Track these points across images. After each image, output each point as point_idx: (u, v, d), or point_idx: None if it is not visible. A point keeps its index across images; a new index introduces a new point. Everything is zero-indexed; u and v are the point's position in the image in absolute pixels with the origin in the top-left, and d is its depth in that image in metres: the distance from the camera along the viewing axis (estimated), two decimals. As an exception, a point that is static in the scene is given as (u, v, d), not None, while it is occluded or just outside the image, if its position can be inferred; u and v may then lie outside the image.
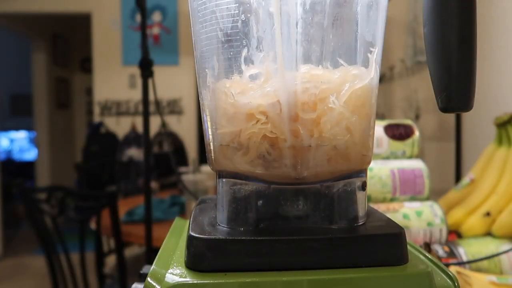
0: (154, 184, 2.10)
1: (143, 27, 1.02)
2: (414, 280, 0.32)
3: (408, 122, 0.73)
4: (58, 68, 4.67)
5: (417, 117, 1.66)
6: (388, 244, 0.33)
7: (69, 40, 4.91)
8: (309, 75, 0.33)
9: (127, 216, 1.63)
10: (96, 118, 3.51)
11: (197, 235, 0.33)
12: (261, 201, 0.34)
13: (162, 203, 1.76)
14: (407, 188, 0.67)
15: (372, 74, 0.36)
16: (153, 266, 0.34)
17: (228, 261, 0.32)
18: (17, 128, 5.69)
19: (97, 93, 3.49)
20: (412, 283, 0.32)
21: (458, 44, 0.31)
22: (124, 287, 1.49)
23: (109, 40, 3.45)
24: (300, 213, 0.35)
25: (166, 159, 2.99)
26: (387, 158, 0.70)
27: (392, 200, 0.67)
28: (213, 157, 0.37)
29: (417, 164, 0.69)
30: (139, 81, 1.46)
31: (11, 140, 5.82)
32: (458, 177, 1.24)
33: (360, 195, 0.36)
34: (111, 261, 1.99)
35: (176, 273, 0.32)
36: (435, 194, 0.79)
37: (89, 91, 4.76)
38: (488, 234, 0.72)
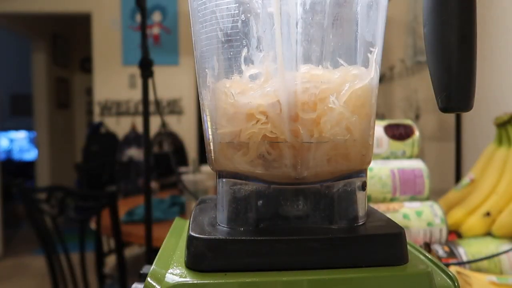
0: (154, 184, 2.10)
1: (143, 27, 1.02)
2: (414, 280, 0.32)
3: (408, 122, 0.73)
4: (58, 68, 4.67)
5: (417, 117, 1.66)
6: (388, 244, 0.33)
7: (69, 40, 4.91)
8: (309, 75, 0.33)
9: (127, 216, 1.64)
10: (96, 118, 3.52)
11: (197, 235, 0.33)
12: (261, 201, 0.34)
13: (162, 203, 1.76)
14: (407, 188, 0.67)
15: (372, 74, 0.36)
16: (153, 266, 0.34)
17: (228, 261, 0.32)
18: (17, 128, 5.69)
19: (97, 93, 3.49)
20: (412, 283, 0.32)
21: (458, 44, 0.31)
22: (124, 287, 1.49)
23: (109, 40, 3.45)
24: (300, 213, 0.35)
25: (166, 159, 2.99)
26: (387, 158, 0.70)
27: (392, 200, 0.67)
28: (213, 157, 0.37)
29: (417, 164, 0.69)
30: (139, 81, 1.46)
31: (11, 140, 5.82)
32: (458, 177, 1.24)
33: (360, 195, 0.36)
34: (111, 261, 1.99)
35: (176, 273, 0.32)
36: (435, 194, 0.79)
37: (89, 91, 4.76)
38: (488, 234, 0.72)
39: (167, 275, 0.32)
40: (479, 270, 0.63)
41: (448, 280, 0.33)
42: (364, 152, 0.36)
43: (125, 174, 3.13)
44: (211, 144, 0.37)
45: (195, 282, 0.31)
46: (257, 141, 0.33)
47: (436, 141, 1.51)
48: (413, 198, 0.68)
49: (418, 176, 0.67)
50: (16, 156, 5.80)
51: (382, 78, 1.96)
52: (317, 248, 0.32)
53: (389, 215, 0.58)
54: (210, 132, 0.37)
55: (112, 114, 3.50)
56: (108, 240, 1.98)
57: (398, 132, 0.70)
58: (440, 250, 0.63)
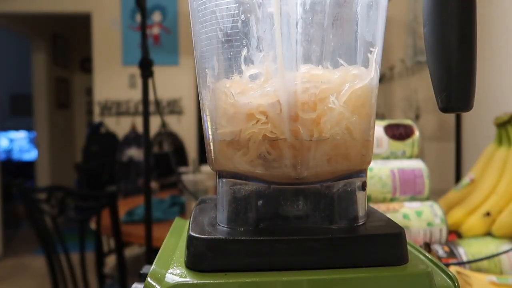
0: (154, 184, 2.10)
1: (143, 27, 1.02)
2: (414, 280, 0.32)
3: (408, 122, 0.73)
4: (58, 68, 4.67)
5: (417, 117, 1.66)
6: (388, 244, 0.33)
7: (69, 40, 4.91)
8: (309, 75, 0.33)
9: (127, 216, 1.64)
10: (96, 118, 3.52)
11: (197, 235, 0.33)
12: (261, 201, 0.34)
13: (162, 203, 1.76)
14: (407, 188, 0.67)
15: (372, 74, 0.36)
16: (153, 266, 0.34)
17: (228, 261, 0.32)
18: (17, 128, 5.69)
19: (97, 93, 3.49)
20: (412, 283, 0.32)
21: (458, 44, 0.31)
22: (124, 287, 1.49)
23: (109, 40, 3.46)
24: (300, 213, 0.35)
25: (166, 159, 2.99)
26: (387, 158, 0.70)
27: (392, 200, 0.67)
28: (213, 157, 0.37)
29: (417, 164, 0.69)
30: (139, 81, 1.46)
31: (11, 140, 5.82)
32: (458, 177, 1.24)
33: (360, 195, 0.36)
34: (111, 261, 1.99)
35: (176, 273, 0.32)
36: (435, 194, 0.79)
37: (89, 91, 4.76)
38: (488, 234, 0.72)
39: (167, 275, 0.32)
40: (479, 270, 0.63)
41: (448, 280, 0.34)
42: (364, 152, 0.36)
43: (125, 174, 3.13)
44: (211, 144, 0.37)
45: (195, 282, 0.31)
46: (257, 141, 0.33)
47: (436, 141, 1.51)
48: (413, 198, 0.68)
49: (418, 176, 0.67)
50: (16, 156, 5.80)
51: (382, 78, 1.96)
52: (317, 248, 0.32)
53: (389, 215, 0.58)
54: (210, 132, 0.37)
55: (112, 114, 3.50)
56: (108, 240, 1.98)
57: (398, 132, 0.70)
58: (440, 250, 0.63)
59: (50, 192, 1.47)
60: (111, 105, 3.49)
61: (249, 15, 0.34)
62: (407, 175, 0.67)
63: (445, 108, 0.32)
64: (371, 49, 0.36)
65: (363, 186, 0.36)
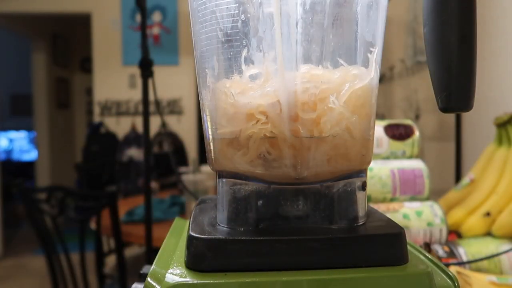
0: (154, 184, 2.10)
1: (143, 27, 1.02)
2: (414, 280, 0.32)
3: (408, 122, 0.73)
4: (58, 68, 4.67)
5: (417, 117, 1.66)
6: (388, 244, 0.33)
7: (69, 40, 4.91)
8: (309, 75, 0.33)
9: (127, 216, 1.64)
10: (96, 118, 3.52)
11: (197, 235, 0.33)
12: (261, 201, 0.34)
13: (162, 203, 1.76)
14: (407, 188, 0.67)
15: (372, 74, 0.36)
16: (153, 266, 0.34)
17: (228, 261, 0.32)
18: (17, 128, 5.69)
19: (97, 93, 3.49)
20: (412, 283, 0.32)
21: (458, 44, 0.31)
22: (124, 287, 1.49)
23: (109, 40, 3.46)
24: (300, 213, 0.35)
25: (166, 159, 2.99)
26: (387, 158, 0.70)
27: (392, 200, 0.67)
28: (213, 157, 0.37)
29: (417, 164, 0.69)
30: (139, 81, 1.46)
31: (11, 140, 5.82)
32: (458, 177, 1.24)
33: (360, 195, 0.36)
34: (111, 261, 1.99)
35: (176, 273, 0.32)
36: (435, 194, 0.79)
37: (89, 91, 4.76)
38: (488, 234, 0.72)
39: (167, 275, 0.32)
40: (479, 270, 0.63)
41: (448, 280, 0.34)
42: (364, 152, 0.36)
43: (125, 174, 3.13)
44: (211, 144, 0.37)
45: (195, 282, 0.31)
46: (257, 141, 0.33)
47: (436, 141, 1.51)
48: (413, 198, 0.68)
49: (418, 176, 0.67)
50: (16, 156, 5.80)
51: (382, 78, 1.96)
52: (317, 248, 0.32)
53: (389, 215, 0.58)
54: (210, 132, 0.37)
55: (112, 114, 3.50)
56: (108, 240, 1.98)
57: (398, 132, 0.70)
58: (440, 250, 0.63)
59: (50, 192, 1.47)
60: (111, 105, 3.49)
61: (249, 15, 0.34)
62: (407, 175, 0.67)
63: (445, 108, 0.32)
64: (371, 49, 0.36)
65: (363, 186, 0.36)
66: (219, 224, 0.36)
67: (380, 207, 0.65)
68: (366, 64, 0.36)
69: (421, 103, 1.64)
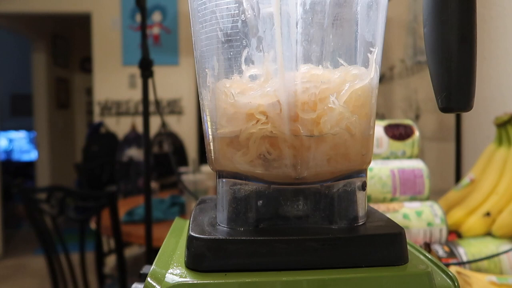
0: (154, 184, 2.10)
1: (143, 27, 1.02)
2: (414, 280, 0.32)
3: (408, 122, 0.73)
4: (58, 68, 4.67)
5: (417, 117, 1.66)
6: (388, 244, 0.33)
7: (69, 40, 4.91)
8: (309, 75, 0.33)
9: (127, 216, 1.64)
10: (96, 118, 3.51)
11: (197, 235, 0.33)
12: (261, 201, 0.34)
13: (162, 203, 1.76)
14: (407, 188, 0.67)
15: (372, 74, 0.36)
16: (153, 266, 0.34)
17: (228, 261, 0.32)
18: (17, 128, 5.69)
19: (97, 93, 3.49)
20: (412, 283, 0.32)
21: (458, 44, 0.31)
22: (124, 287, 1.49)
23: (109, 40, 3.45)
24: (300, 213, 0.35)
25: (166, 159, 2.99)
26: (387, 158, 0.70)
27: (392, 200, 0.67)
28: (213, 157, 0.37)
29: (417, 164, 0.69)
30: (139, 81, 1.46)
31: (11, 140, 5.82)
32: (458, 177, 1.24)
33: (360, 195, 0.36)
34: (111, 261, 2.00)
35: (176, 273, 0.32)
36: (435, 194, 0.79)
37: (89, 91, 4.76)
38: (488, 234, 0.72)
39: (167, 275, 0.32)
40: (479, 270, 0.63)
41: (448, 280, 0.34)
42: (364, 152, 0.36)
43: (125, 174, 3.13)
44: (211, 144, 0.37)
45: (195, 282, 0.31)
46: (257, 141, 0.33)
47: (436, 141, 1.51)
48: (413, 198, 0.68)
49: (418, 176, 0.67)
50: (16, 156, 5.80)
51: (382, 78, 1.96)
52: (317, 248, 0.32)
53: (389, 215, 0.58)
54: (210, 132, 0.37)
55: (112, 114, 3.50)
56: (108, 240, 1.98)
57: (398, 132, 0.70)
58: (440, 250, 0.63)
59: (50, 192, 1.47)
60: (111, 105, 3.49)
61: (249, 15, 0.34)
62: (407, 175, 0.67)
63: (445, 108, 0.32)
64: (371, 49, 0.36)
65: (363, 186, 0.36)
66: (219, 224, 0.36)
67: (380, 207, 0.65)
68: (366, 64, 0.36)
69: (421, 103, 1.64)
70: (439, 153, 1.49)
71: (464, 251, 0.64)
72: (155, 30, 3.43)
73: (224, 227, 0.35)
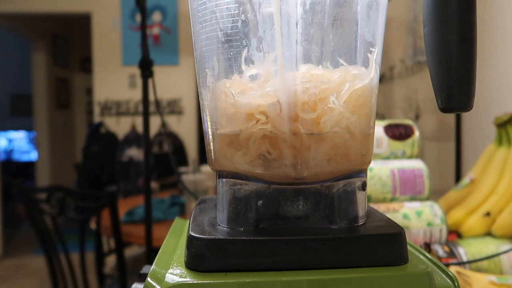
0: (154, 184, 2.10)
1: (143, 27, 1.02)
2: (414, 280, 0.32)
3: (408, 122, 0.73)
4: (58, 68, 4.67)
5: (417, 117, 1.66)
6: (388, 244, 0.33)
7: (69, 40, 4.91)
8: (309, 75, 0.33)
9: (127, 216, 1.64)
10: (96, 118, 3.51)
11: (197, 235, 0.33)
12: (261, 201, 0.34)
13: (162, 203, 1.76)
14: (407, 188, 0.67)
15: (372, 74, 0.36)
16: (153, 266, 0.34)
17: (228, 261, 0.32)
18: (17, 128, 5.69)
19: (97, 93, 3.49)
20: (412, 283, 0.32)
21: (458, 44, 0.31)
22: (124, 287, 1.49)
23: (109, 40, 3.45)
24: (300, 213, 0.35)
25: (166, 159, 2.99)
26: (387, 158, 0.70)
27: (392, 200, 0.67)
28: (213, 157, 0.37)
29: (417, 164, 0.69)
30: (139, 81, 1.46)
31: (11, 140, 5.82)
32: (458, 177, 1.24)
33: (360, 195, 0.36)
34: (111, 261, 2.00)
35: (176, 273, 0.32)
36: (435, 194, 0.79)
37: (89, 91, 4.76)
38: (488, 234, 0.72)
39: (167, 275, 0.32)
40: (479, 270, 0.63)
41: (448, 280, 0.33)
42: (364, 152, 0.36)
43: (125, 174, 3.13)
44: (211, 144, 0.37)
45: (195, 282, 0.31)
46: (257, 141, 0.33)
47: (436, 141, 1.51)
48: (413, 198, 0.68)
49: (418, 176, 0.67)
50: (16, 156, 5.80)
51: (382, 78, 1.96)
52: (317, 248, 0.32)
53: (389, 215, 0.58)
54: (210, 132, 0.37)
55: (112, 114, 3.50)
56: (108, 240, 1.98)
57: (398, 132, 0.70)
58: (440, 250, 0.63)
59: (50, 192, 1.47)
60: (111, 105, 3.49)
61: (249, 15, 0.34)
62: (407, 175, 0.67)
63: (445, 108, 0.32)
64: (371, 49, 0.36)
65: (363, 186, 0.36)
66: (219, 224, 0.36)
67: (380, 207, 0.65)
68: (366, 64, 0.36)
69: (421, 103, 1.64)
70: (439, 153, 1.49)
71: (464, 251, 0.64)
72: (155, 30, 3.43)
73: (224, 227, 0.35)
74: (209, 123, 0.37)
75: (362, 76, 0.35)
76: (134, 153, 3.19)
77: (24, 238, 3.89)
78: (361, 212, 0.36)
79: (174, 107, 3.51)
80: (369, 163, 0.38)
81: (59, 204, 1.45)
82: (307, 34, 0.34)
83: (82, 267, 1.55)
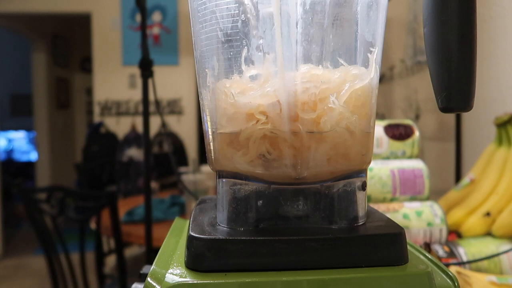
0: (154, 184, 2.10)
1: (143, 27, 1.02)
2: (414, 280, 0.32)
3: (408, 122, 0.73)
4: (58, 68, 4.67)
5: (417, 117, 1.66)
6: (388, 244, 0.33)
7: (69, 40, 4.91)
8: (309, 75, 0.33)
9: (127, 216, 1.64)
10: (96, 118, 3.52)
11: (197, 235, 0.33)
12: (261, 201, 0.34)
13: (162, 203, 1.76)
14: (407, 188, 0.67)
15: (372, 74, 0.36)
16: (153, 266, 0.34)
17: (228, 261, 0.32)
18: (17, 128, 5.69)
19: (97, 93, 3.49)
20: (412, 283, 0.32)
21: (458, 44, 0.31)
22: (124, 287, 1.49)
23: (109, 40, 3.46)
24: (300, 213, 0.35)
25: (166, 159, 2.99)
26: (387, 158, 0.70)
27: (392, 200, 0.67)
28: (213, 157, 0.37)
29: (417, 164, 0.69)
30: (139, 81, 1.46)
31: (11, 140, 5.82)
32: (458, 177, 1.24)
33: (360, 195, 0.36)
34: (111, 261, 2.00)
35: (176, 273, 0.32)
36: (435, 194, 0.79)
37: (89, 91, 4.76)
38: (488, 234, 0.72)
39: (167, 275, 0.32)
40: (479, 270, 0.63)
41: (448, 280, 0.33)
42: (364, 152, 0.36)
43: (125, 174, 3.13)
44: (211, 144, 0.37)
45: (195, 282, 0.31)
46: (257, 141, 0.33)
47: (436, 141, 1.51)
48: (413, 198, 0.68)
49: (418, 176, 0.67)
50: (16, 156, 5.80)
51: (382, 78, 1.96)
52: (317, 248, 0.32)
53: (389, 215, 0.58)
54: (210, 132, 0.37)
55: (112, 114, 3.50)
56: (108, 240, 1.98)
57: (398, 132, 0.70)
58: (440, 250, 0.63)
59: (50, 192, 1.47)
60: (111, 105, 3.49)
61: (249, 15, 0.34)
62: (407, 175, 0.67)
63: (445, 108, 0.32)
64: (371, 49, 0.36)
65: (363, 186, 0.36)
66: (219, 224, 0.36)
67: (380, 207, 0.65)
68: (366, 64, 0.36)
69: (421, 103, 1.64)
70: (439, 153, 1.49)
71: (464, 251, 0.64)
72: (155, 30, 3.43)
73: (224, 227, 0.35)
74: (209, 123, 0.37)
75: (362, 76, 0.35)
76: (134, 153, 3.19)
77: (24, 238, 3.89)
78: (361, 212, 0.36)
79: (174, 107, 3.51)
80: (369, 163, 0.38)
81: (59, 204, 1.45)
82: (307, 34, 0.34)
83: (82, 267, 1.55)
